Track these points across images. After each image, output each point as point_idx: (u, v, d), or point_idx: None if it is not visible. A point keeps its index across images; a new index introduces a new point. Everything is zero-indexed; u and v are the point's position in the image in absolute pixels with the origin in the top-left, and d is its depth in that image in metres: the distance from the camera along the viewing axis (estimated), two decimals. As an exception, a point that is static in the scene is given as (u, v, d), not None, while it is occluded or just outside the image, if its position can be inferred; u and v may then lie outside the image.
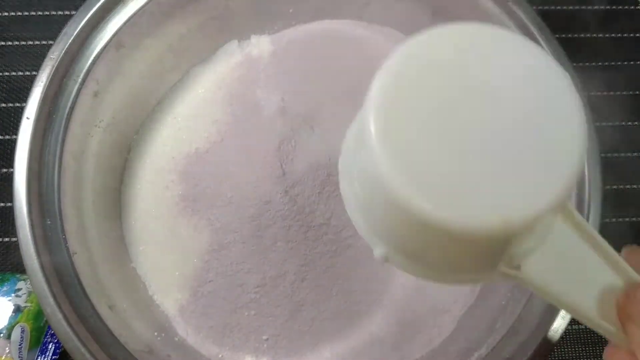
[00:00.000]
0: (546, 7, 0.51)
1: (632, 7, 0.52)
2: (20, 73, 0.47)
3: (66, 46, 0.34)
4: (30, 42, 0.48)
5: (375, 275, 0.38)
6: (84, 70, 0.35)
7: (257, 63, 0.43)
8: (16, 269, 0.43)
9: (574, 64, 0.35)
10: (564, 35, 0.50)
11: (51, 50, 0.34)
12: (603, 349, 0.47)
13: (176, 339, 0.38)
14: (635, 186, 0.48)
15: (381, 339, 0.38)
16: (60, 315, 0.31)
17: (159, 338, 0.37)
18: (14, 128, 0.46)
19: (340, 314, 0.38)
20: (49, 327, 0.39)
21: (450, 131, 0.17)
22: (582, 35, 0.51)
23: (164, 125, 0.42)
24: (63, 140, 0.34)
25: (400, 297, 0.38)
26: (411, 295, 0.38)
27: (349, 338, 0.38)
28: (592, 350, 0.44)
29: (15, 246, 0.43)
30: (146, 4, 0.36)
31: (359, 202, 0.21)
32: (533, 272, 0.19)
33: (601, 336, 0.47)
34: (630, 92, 0.50)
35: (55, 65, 0.34)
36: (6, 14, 0.49)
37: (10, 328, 0.38)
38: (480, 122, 0.17)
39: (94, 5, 0.35)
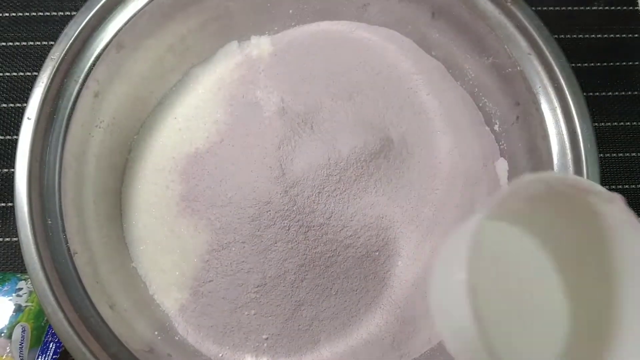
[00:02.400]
0: (545, 8, 0.51)
1: (631, 8, 0.52)
2: (21, 73, 0.48)
3: (67, 47, 0.34)
4: (31, 43, 0.48)
5: (375, 274, 0.38)
6: (85, 71, 0.35)
7: (257, 63, 0.43)
8: (17, 268, 0.43)
9: (573, 65, 0.35)
10: (562, 36, 0.51)
11: (52, 51, 0.34)
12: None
13: (177, 338, 0.38)
14: (634, 186, 0.48)
15: (380, 338, 0.38)
16: (61, 315, 0.31)
17: (159, 337, 0.37)
18: (15, 128, 0.47)
19: (340, 313, 0.38)
20: (50, 327, 0.40)
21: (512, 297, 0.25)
22: (581, 35, 0.51)
23: (164, 125, 0.42)
24: (64, 141, 0.34)
25: (399, 296, 0.38)
26: (410, 295, 0.38)
27: (348, 337, 0.38)
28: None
29: (16, 246, 0.43)
30: (146, 4, 0.36)
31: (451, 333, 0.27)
32: None
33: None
34: (629, 93, 0.50)
35: (56, 66, 0.34)
36: (7, 14, 0.49)
37: (11, 327, 0.38)
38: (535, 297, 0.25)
39: (95, 6, 0.35)
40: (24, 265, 0.32)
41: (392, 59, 0.43)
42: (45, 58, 0.34)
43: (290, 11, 0.43)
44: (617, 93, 0.50)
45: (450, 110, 0.42)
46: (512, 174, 0.40)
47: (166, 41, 0.40)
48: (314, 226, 0.37)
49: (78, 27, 0.35)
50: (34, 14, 0.49)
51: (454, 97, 0.42)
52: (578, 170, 0.34)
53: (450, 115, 0.42)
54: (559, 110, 0.35)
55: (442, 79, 0.42)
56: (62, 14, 0.49)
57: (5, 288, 0.40)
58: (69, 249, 0.33)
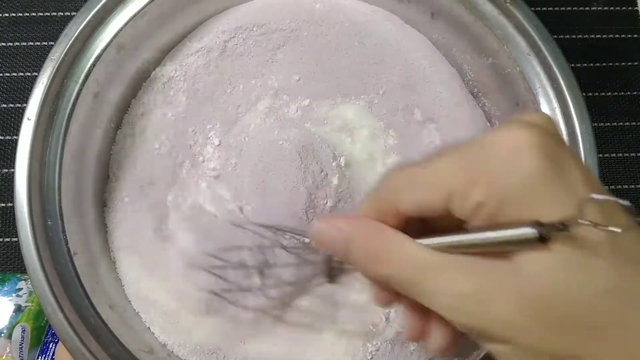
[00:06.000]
0: (544, 8, 0.51)
1: (630, 8, 0.52)
2: (21, 74, 0.48)
3: (67, 47, 0.34)
4: (31, 43, 0.48)
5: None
6: (85, 72, 0.35)
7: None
8: (17, 268, 0.44)
9: (572, 65, 0.35)
10: (562, 36, 0.51)
11: (52, 51, 0.34)
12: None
13: (176, 338, 0.38)
14: (633, 186, 0.48)
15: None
16: (60, 315, 0.31)
17: (159, 337, 0.37)
18: (15, 129, 0.47)
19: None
20: (50, 327, 0.40)
21: None
22: (580, 36, 0.51)
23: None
24: (64, 141, 0.34)
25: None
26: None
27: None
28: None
29: (16, 246, 0.43)
30: (147, 5, 0.36)
31: None
32: None
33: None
34: (628, 93, 0.50)
35: (56, 67, 0.34)
36: (7, 15, 0.49)
37: (11, 328, 0.38)
38: None
39: (95, 7, 0.35)
40: (24, 265, 0.32)
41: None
42: (45, 58, 0.34)
43: (290, 12, 0.43)
44: (616, 93, 0.50)
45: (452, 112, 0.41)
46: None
47: (166, 42, 0.40)
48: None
49: (78, 28, 0.35)
50: (34, 14, 0.49)
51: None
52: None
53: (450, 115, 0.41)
54: (558, 111, 0.35)
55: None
56: (62, 14, 0.49)
57: (5, 288, 0.40)
58: (69, 250, 0.33)
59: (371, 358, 0.36)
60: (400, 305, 0.25)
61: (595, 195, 0.18)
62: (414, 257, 0.21)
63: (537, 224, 0.18)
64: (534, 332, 0.19)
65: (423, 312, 0.24)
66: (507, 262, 0.19)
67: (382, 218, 0.22)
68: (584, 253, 0.18)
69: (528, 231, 0.18)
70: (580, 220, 0.17)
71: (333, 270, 0.28)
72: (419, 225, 0.22)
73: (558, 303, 0.18)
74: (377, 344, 0.36)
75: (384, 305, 0.25)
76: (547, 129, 0.20)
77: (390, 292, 0.24)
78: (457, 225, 0.21)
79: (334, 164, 0.37)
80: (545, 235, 0.18)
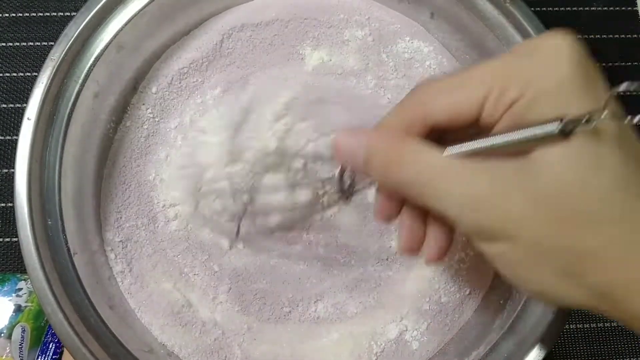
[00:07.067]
0: (544, 8, 0.51)
1: (630, 8, 0.52)
2: (21, 74, 0.48)
3: (67, 47, 0.34)
4: (31, 43, 0.48)
5: (378, 272, 0.38)
6: (85, 72, 0.35)
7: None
8: (17, 269, 0.44)
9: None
10: (562, 36, 0.51)
11: (52, 51, 0.34)
12: (600, 348, 0.48)
13: (176, 338, 0.38)
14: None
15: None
16: (60, 315, 0.31)
17: (159, 337, 0.37)
18: (15, 129, 0.47)
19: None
20: (50, 327, 0.40)
21: None
22: (579, 36, 0.51)
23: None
24: (64, 141, 0.34)
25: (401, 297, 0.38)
26: (411, 295, 0.38)
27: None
28: (589, 349, 0.44)
29: (16, 246, 0.43)
30: (147, 5, 0.36)
31: None
32: None
33: (598, 335, 0.47)
34: (628, 93, 0.50)
35: (56, 67, 0.34)
36: (7, 15, 0.49)
37: (10, 328, 0.38)
38: None
39: (95, 7, 0.35)
40: (24, 265, 0.32)
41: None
42: (45, 58, 0.34)
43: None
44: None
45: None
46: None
47: (166, 42, 0.40)
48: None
49: (78, 28, 0.35)
50: (34, 14, 0.49)
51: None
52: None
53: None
54: (558, 110, 0.35)
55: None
56: (62, 14, 0.49)
57: (5, 288, 0.40)
58: (68, 250, 0.33)
59: (376, 359, 0.36)
60: (398, 220, 0.26)
61: (616, 89, 0.21)
62: (434, 162, 0.22)
63: (560, 119, 0.19)
64: (539, 227, 0.20)
65: (423, 223, 0.25)
66: (524, 160, 0.20)
67: (405, 129, 0.23)
68: (596, 145, 0.19)
69: (551, 126, 0.19)
70: (602, 112, 0.19)
71: (344, 190, 0.28)
72: (437, 140, 0.23)
73: (566, 197, 0.19)
74: (381, 344, 0.36)
75: (384, 221, 0.26)
76: (579, 43, 0.22)
77: (397, 204, 0.25)
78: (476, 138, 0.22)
79: None
80: (567, 129, 0.19)
